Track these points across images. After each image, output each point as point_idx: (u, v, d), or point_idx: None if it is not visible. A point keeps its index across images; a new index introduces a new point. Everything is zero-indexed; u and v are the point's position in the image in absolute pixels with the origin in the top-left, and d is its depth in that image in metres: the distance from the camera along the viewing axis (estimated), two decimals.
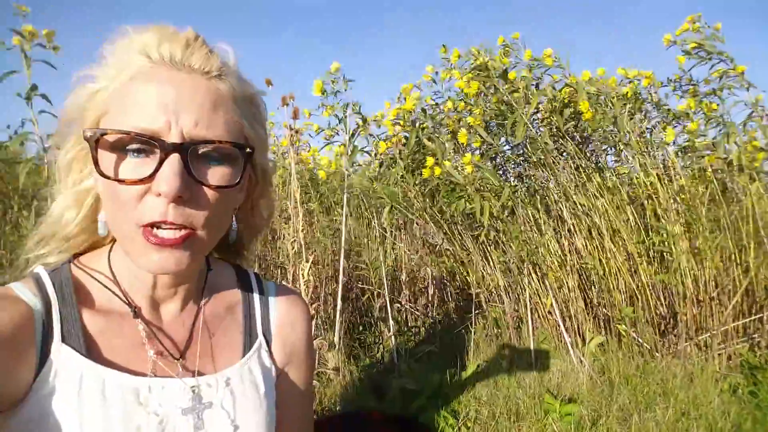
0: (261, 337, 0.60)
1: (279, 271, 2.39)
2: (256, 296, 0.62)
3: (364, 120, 2.53)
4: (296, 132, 2.11)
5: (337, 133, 2.49)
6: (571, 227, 2.50)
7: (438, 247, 2.90)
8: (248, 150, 0.48)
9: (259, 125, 0.54)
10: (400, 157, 2.55)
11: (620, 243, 2.40)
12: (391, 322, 2.39)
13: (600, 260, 2.41)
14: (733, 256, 2.21)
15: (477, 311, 2.63)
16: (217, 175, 0.47)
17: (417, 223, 2.72)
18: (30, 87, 1.83)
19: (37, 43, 1.86)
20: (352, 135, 2.50)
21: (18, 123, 1.93)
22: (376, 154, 2.78)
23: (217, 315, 0.58)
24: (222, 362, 0.56)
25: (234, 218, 0.56)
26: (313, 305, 2.24)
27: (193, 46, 0.48)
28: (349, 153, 2.39)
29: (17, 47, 1.84)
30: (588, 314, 2.40)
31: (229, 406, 0.53)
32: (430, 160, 2.38)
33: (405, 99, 2.77)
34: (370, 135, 2.62)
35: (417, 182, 2.66)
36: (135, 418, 0.48)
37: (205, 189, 0.46)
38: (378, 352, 2.41)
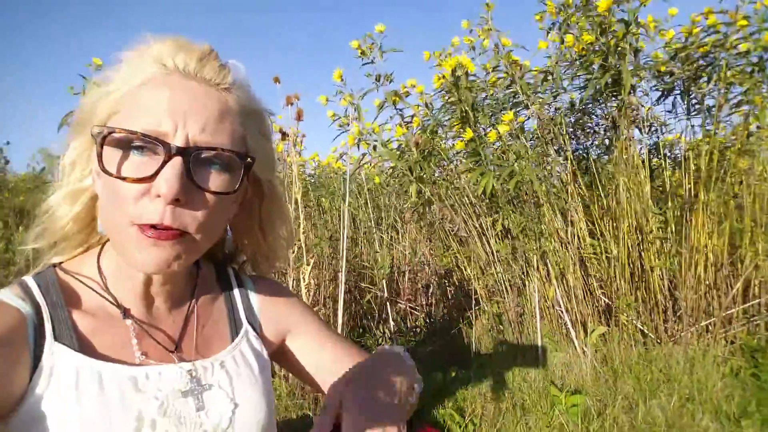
0: (246, 325, 0.63)
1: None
2: (236, 290, 0.65)
3: (396, 94, 2.49)
4: (299, 135, 2.08)
5: (348, 125, 2.46)
6: (576, 209, 2.46)
7: (443, 241, 2.86)
8: (249, 160, 0.49)
9: (264, 140, 0.56)
10: (415, 145, 2.45)
11: (631, 227, 2.34)
12: (391, 323, 2.38)
13: (605, 246, 2.38)
14: (736, 240, 2.21)
15: (477, 307, 2.63)
16: (216, 180, 0.48)
17: (436, 205, 2.62)
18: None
19: None
20: (381, 107, 2.46)
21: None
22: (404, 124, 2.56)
23: (206, 310, 0.61)
24: (213, 351, 0.58)
25: (228, 228, 0.59)
26: (314, 309, 2.22)
27: (207, 58, 0.50)
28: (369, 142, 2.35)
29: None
30: (588, 304, 2.40)
31: (226, 386, 0.55)
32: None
33: (447, 56, 2.55)
34: (399, 110, 2.53)
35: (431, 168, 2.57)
36: (134, 404, 0.49)
37: (203, 194, 0.47)
38: None
